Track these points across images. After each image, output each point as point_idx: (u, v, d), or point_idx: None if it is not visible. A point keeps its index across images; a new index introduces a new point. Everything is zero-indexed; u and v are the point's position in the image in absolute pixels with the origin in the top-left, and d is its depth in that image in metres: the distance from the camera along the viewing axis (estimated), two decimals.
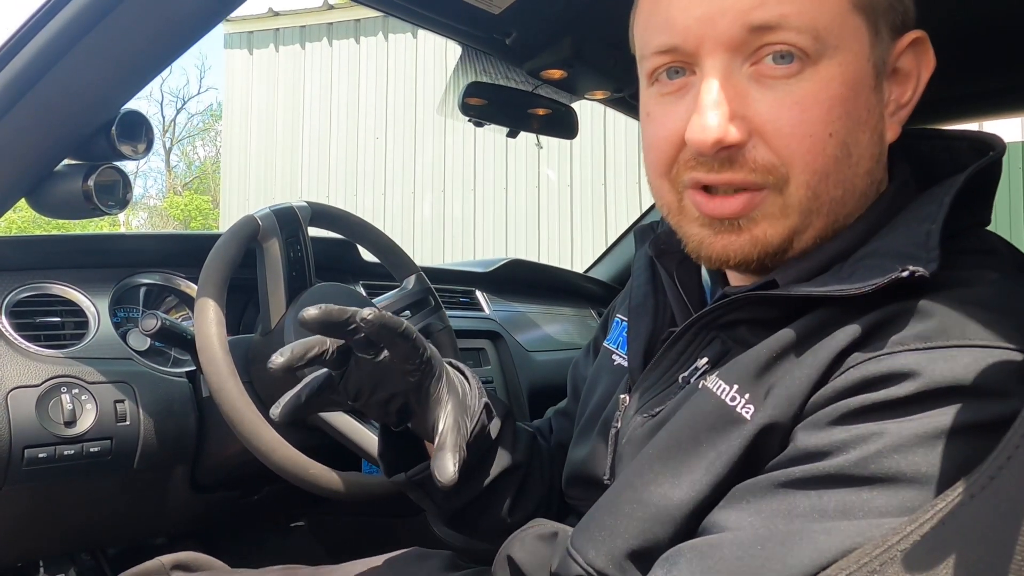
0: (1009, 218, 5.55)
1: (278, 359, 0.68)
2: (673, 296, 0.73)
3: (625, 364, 0.76)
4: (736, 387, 0.58)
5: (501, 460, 0.84)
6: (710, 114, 0.57)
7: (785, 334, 0.57)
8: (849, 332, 0.54)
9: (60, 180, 0.99)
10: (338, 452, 1.08)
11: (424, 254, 7.34)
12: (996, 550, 0.34)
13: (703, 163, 0.60)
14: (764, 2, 0.56)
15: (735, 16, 0.56)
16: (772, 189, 0.59)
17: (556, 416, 0.98)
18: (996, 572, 0.33)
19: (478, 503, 0.85)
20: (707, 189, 0.61)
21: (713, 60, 0.58)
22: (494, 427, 0.83)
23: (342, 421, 1.07)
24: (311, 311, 0.66)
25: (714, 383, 0.59)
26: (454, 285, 1.70)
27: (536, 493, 0.89)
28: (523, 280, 1.92)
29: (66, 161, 0.99)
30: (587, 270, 2.18)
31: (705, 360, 0.63)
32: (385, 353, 0.70)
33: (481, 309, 1.72)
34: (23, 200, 1.00)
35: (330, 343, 0.70)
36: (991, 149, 0.62)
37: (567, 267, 2.17)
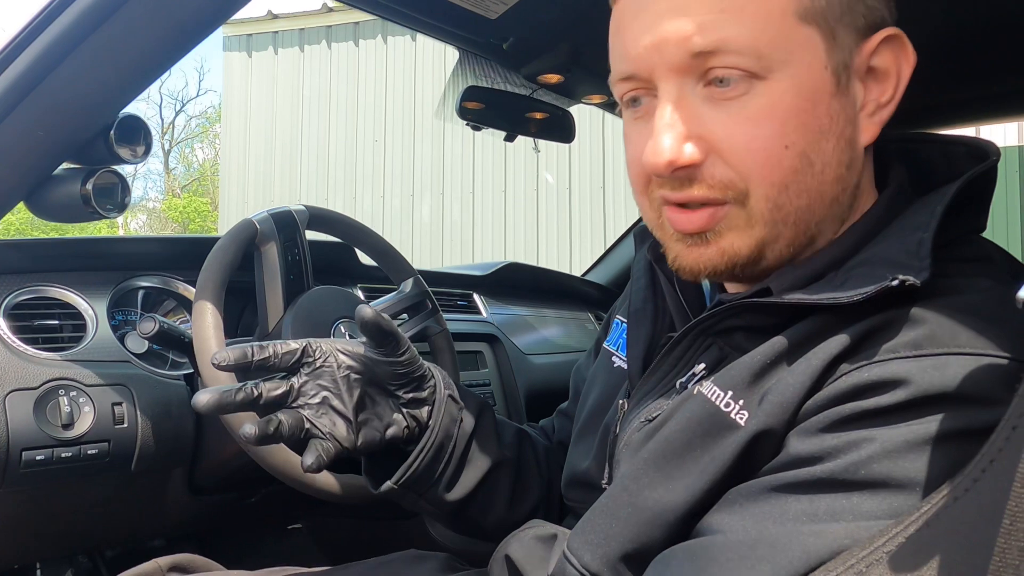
0: (1006, 223, 5.56)
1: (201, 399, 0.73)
2: (672, 301, 0.74)
3: (624, 366, 0.77)
4: (730, 393, 0.58)
5: (486, 455, 0.86)
6: (662, 137, 0.59)
7: (778, 341, 0.58)
8: (841, 340, 0.54)
9: (59, 184, 0.99)
10: None
11: (423, 257, 7.34)
12: (978, 551, 0.35)
13: (666, 182, 0.62)
14: (703, 28, 0.57)
15: (677, 43, 0.58)
16: (734, 203, 0.60)
17: (558, 415, 1.00)
18: (977, 572, 0.34)
19: (474, 502, 0.86)
20: (680, 204, 0.62)
21: (666, 85, 0.60)
22: (467, 421, 0.85)
23: None
24: (222, 355, 0.75)
25: (709, 389, 0.60)
26: (451, 288, 1.70)
27: (534, 489, 0.91)
28: (521, 283, 1.93)
29: (65, 165, 1.00)
30: (585, 273, 2.18)
31: (702, 366, 0.64)
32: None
33: (479, 312, 1.72)
34: (22, 203, 1.01)
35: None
36: (986, 155, 0.62)
37: (565, 270, 2.17)
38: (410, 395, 0.82)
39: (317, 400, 0.77)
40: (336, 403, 0.77)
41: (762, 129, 0.58)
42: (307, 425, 0.76)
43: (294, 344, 0.77)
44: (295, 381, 0.77)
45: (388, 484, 0.82)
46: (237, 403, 0.73)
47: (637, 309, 0.77)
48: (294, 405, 0.76)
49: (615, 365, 0.81)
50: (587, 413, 0.82)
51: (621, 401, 0.74)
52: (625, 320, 0.80)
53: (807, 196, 0.60)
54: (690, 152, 0.59)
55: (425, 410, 0.83)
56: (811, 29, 0.58)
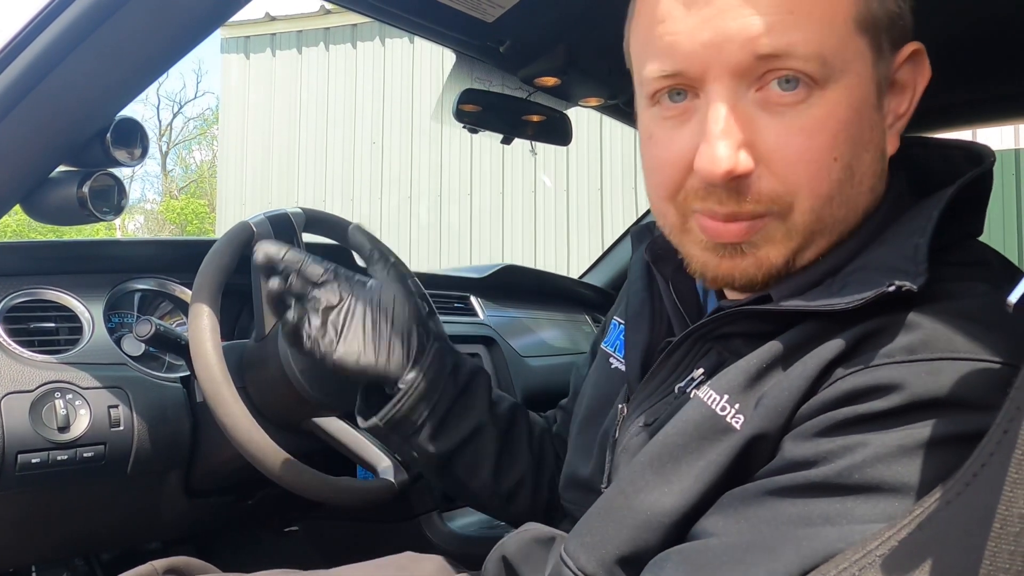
0: (1003, 227, 5.57)
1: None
2: (670, 304, 0.74)
3: (622, 368, 0.77)
4: (727, 397, 0.58)
5: (473, 415, 0.90)
6: (720, 144, 0.56)
7: (775, 346, 0.58)
8: (837, 344, 0.54)
9: (55, 186, 0.99)
10: (332, 457, 1.08)
11: (420, 259, 7.33)
12: (969, 554, 0.35)
13: (712, 193, 0.59)
14: (771, 29, 0.54)
15: (742, 43, 0.55)
16: (775, 216, 0.59)
17: (559, 410, 1.02)
18: (969, 575, 0.34)
19: (460, 458, 0.89)
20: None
21: (719, 86, 0.57)
22: (459, 378, 0.91)
23: (336, 426, 1.08)
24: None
25: (705, 393, 0.60)
26: (448, 291, 1.70)
27: (521, 462, 0.93)
28: (518, 286, 1.93)
29: (61, 167, 1.00)
30: (582, 276, 2.18)
31: (701, 371, 0.64)
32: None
33: (475, 315, 1.72)
34: (18, 206, 1.01)
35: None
36: (982, 159, 0.62)
37: (563, 273, 2.17)
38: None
39: (327, 305, 0.84)
40: (334, 316, 0.84)
41: (815, 140, 0.57)
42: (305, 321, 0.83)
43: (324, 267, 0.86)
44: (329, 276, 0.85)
45: (373, 419, 0.87)
46: (285, 260, 0.84)
47: (635, 312, 0.77)
48: (312, 296, 0.84)
49: (612, 367, 0.81)
50: (584, 414, 0.82)
51: (620, 406, 0.74)
52: (622, 321, 0.80)
53: (846, 208, 0.60)
54: (745, 162, 0.56)
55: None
56: (865, 39, 0.58)
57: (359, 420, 0.91)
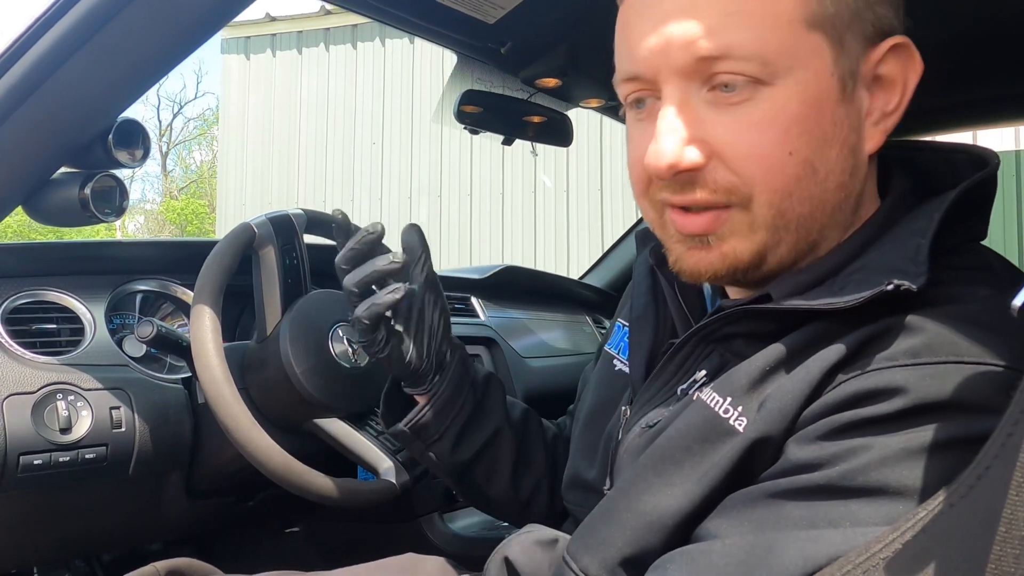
0: (1003, 228, 5.57)
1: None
2: (674, 306, 0.74)
3: (626, 370, 0.78)
4: (729, 399, 0.58)
5: (491, 421, 0.91)
6: (664, 140, 0.59)
7: (777, 348, 0.58)
8: (840, 347, 0.54)
9: (57, 188, 0.99)
10: (333, 459, 1.08)
11: None
12: (974, 557, 0.35)
13: (667, 185, 0.62)
14: (710, 32, 0.57)
15: (683, 46, 0.58)
16: (737, 207, 0.60)
17: (568, 416, 1.02)
18: None
19: (479, 465, 0.91)
20: (683, 207, 0.62)
21: (670, 87, 0.60)
22: (478, 387, 0.92)
23: (337, 427, 1.08)
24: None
25: (708, 395, 0.60)
26: (449, 291, 1.70)
27: (538, 465, 0.94)
28: (518, 286, 1.93)
29: (63, 169, 1.00)
30: (582, 277, 2.18)
31: (704, 372, 0.64)
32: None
33: (476, 315, 1.72)
34: (20, 207, 1.01)
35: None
36: (986, 163, 0.62)
37: (564, 273, 2.17)
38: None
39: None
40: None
41: (766, 135, 0.58)
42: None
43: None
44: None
45: (398, 426, 0.88)
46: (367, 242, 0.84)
47: (639, 315, 0.77)
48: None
49: (616, 369, 0.81)
50: (586, 415, 0.83)
51: (624, 408, 0.74)
52: (627, 324, 0.80)
53: (810, 203, 0.60)
54: (691, 156, 0.59)
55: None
56: (819, 36, 0.58)
57: (383, 424, 0.92)
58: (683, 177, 0.60)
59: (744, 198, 0.60)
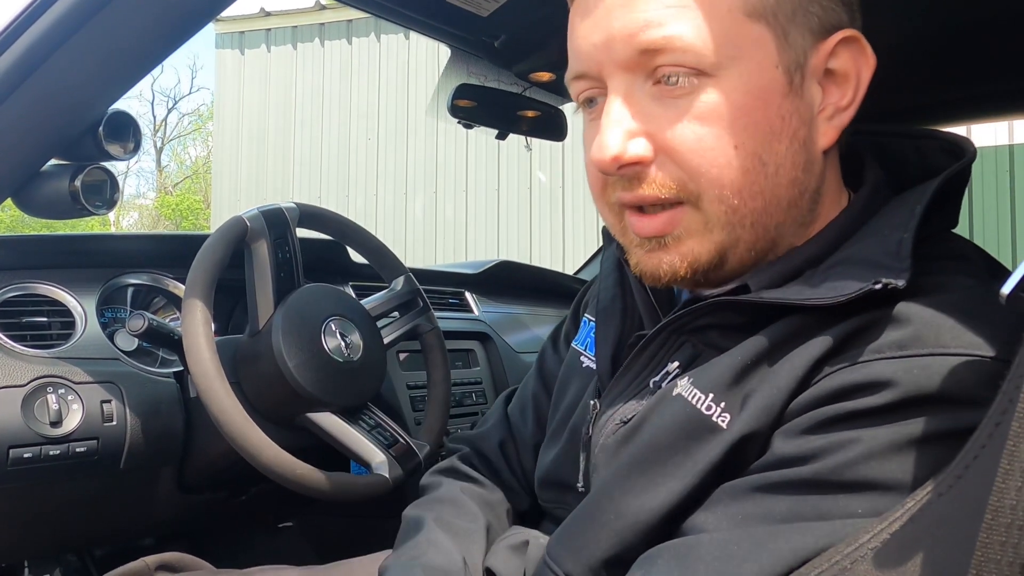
0: (996, 223, 5.58)
1: None
2: (641, 299, 0.73)
3: (594, 367, 0.76)
4: (711, 395, 0.58)
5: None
6: (608, 133, 0.59)
7: (759, 341, 0.57)
8: (824, 340, 0.54)
9: (47, 180, 0.99)
10: (326, 453, 1.08)
11: (416, 256, 7.33)
12: (961, 546, 0.35)
13: (618, 182, 0.61)
14: (652, 24, 0.57)
15: (625, 39, 0.58)
16: (689, 205, 0.60)
17: (512, 412, 0.93)
18: (961, 567, 0.34)
19: None
20: (638, 208, 0.62)
21: (614, 82, 0.60)
22: None
23: (330, 422, 1.07)
24: None
25: (688, 391, 0.59)
26: (443, 286, 1.70)
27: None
28: (512, 281, 1.93)
29: (53, 161, 0.99)
30: (577, 271, 2.18)
31: (676, 364, 0.63)
32: None
33: (470, 310, 1.72)
34: (9, 200, 1.00)
35: None
36: (962, 152, 0.62)
37: (559, 269, 2.17)
38: None
39: None
40: None
41: (710, 128, 0.57)
42: None
43: None
44: None
45: None
46: None
47: (605, 307, 0.76)
48: None
49: (584, 365, 0.80)
50: (560, 415, 0.80)
51: (592, 402, 0.73)
52: (593, 319, 0.79)
53: (762, 198, 0.59)
54: (636, 148, 0.59)
55: None
56: (760, 27, 0.57)
57: None
58: (630, 171, 0.60)
59: (693, 194, 0.59)
